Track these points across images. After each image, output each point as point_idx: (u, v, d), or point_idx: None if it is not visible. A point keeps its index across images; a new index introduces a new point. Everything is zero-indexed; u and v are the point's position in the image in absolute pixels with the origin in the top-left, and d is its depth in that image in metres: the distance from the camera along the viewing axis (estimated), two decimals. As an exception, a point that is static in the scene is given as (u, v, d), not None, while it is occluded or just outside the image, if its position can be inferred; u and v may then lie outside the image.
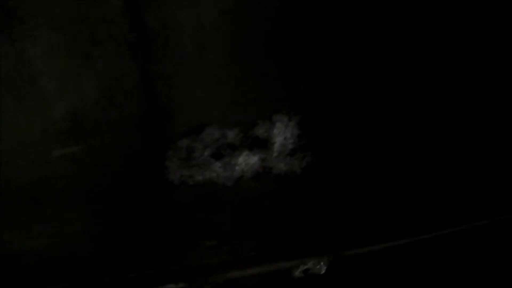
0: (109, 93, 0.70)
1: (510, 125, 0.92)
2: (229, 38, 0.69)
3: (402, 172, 0.88)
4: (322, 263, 0.87)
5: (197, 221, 0.82)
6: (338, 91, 0.79)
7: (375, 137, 0.83)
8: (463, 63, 0.80)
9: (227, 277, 0.86)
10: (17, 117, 0.70)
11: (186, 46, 0.69)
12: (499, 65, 0.82)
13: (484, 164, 0.94)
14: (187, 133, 0.75)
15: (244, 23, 0.69)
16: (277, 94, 0.76)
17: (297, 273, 0.89)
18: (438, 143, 0.88)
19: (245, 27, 0.69)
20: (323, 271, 0.88)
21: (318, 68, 0.76)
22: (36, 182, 0.74)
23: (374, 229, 0.91)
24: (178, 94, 0.72)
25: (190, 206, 0.80)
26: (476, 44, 0.79)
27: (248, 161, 0.78)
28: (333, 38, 0.74)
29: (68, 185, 0.75)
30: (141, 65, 0.69)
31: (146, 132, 0.73)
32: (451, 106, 0.85)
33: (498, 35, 0.79)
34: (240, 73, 0.73)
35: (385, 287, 0.97)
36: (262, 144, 0.79)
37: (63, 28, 0.65)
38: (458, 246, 0.98)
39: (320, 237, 0.90)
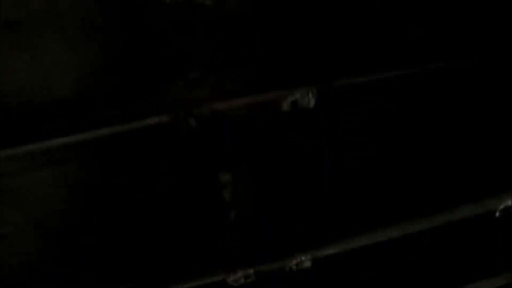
0: None
1: None
2: None
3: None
4: (310, 95, 0.85)
5: (177, 48, 0.78)
6: None
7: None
8: None
9: (212, 108, 0.84)
10: None
11: None
12: None
13: None
14: None
15: None
16: None
17: (285, 105, 0.86)
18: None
19: None
20: (312, 105, 0.86)
21: None
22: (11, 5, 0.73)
23: (363, 61, 0.89)
24: None
25: (169, 30, 0.75)
26: None
27: (226, -25, 0.74)
28: None
29: (45, 7, 0.73)
30: None
31: None
32: None
33: None
34: None
35: (373, 118, 0.96)
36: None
37: None
38: (446, 82, 0.97)
39: (308, 67, 0.87)
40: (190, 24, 0.77)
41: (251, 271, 1.13)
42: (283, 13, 0.80)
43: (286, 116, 0.91)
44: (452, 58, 0.95)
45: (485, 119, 1.10)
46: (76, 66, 0.80)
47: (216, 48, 0.81)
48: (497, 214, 1.32)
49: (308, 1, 0.80)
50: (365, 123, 0.99)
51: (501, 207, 1.29)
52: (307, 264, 1.16)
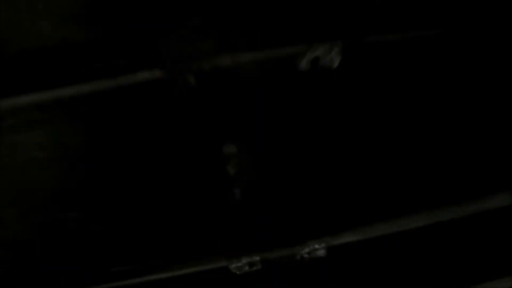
0: None
1: None
2: None
3: None
4: (334, 51, 0.72)
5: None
6: None
7: None
8: None
9: (215, 63, 0.72)
10: None
11: None
12: None
13: None
14: None
15: None
16: None
17: (304, 63, 0.75)
18: None
19: None
20: (336, 64, 0.74)
21: None
22: None
23: (400, 15, 0.76)
24: None
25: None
26: None
27: None
28: None
29: None
30: None
31: None
32: None
33: None
34: None
35: (407, 86, 0.87)
36: None
37: None
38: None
39: (334, 19, 0.75)
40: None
41: (257, 258, 1.05)
42: None
43: (303, 77, 0.80)
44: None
45: None
46: (54, 10, 0.71)
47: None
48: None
49: None
50: (396, 91, 0.88)
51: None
52: (321, 252, 1.06)
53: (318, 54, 0.78)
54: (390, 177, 1.06)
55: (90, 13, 0.70)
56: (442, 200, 1.14)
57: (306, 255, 1.09)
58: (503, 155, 1.11)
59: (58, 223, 0.96)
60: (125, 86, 0.73)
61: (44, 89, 0.73)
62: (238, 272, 1.07)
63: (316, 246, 1.08)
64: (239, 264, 1.05)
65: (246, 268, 1.07)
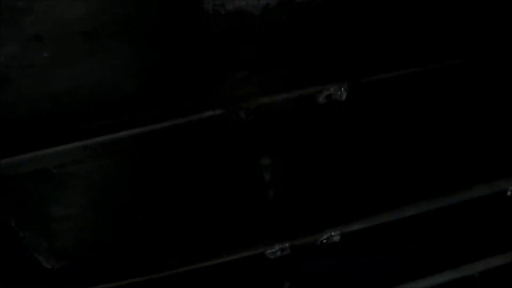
0: None
1: None
2: None
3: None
4: (343, 89, 0.97)
5: (229, 51, 0.90)
6: None
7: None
8: None
9: (258, 103, 0.96)
10: None
11: None
12: None
13: None
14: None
15: None
16: None
17: (321, 98, 0.98)
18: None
19: None
20: (344, 97, 0.99)
21: None
22: (87, 17, 0.83)
23: (388, 60, 1.00)
24: None
25: (223, 35, 0.87)
26: None
27: (273, -11, 0.85)
28: None
29: (114, 18, 0.83)
30: None
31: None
32: None
33: None
34: None
35: (397, 109, 1.09)
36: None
37: None
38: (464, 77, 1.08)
39: (340, 65, 0.98)
40: (241, 30, 0.88)
41: (286, 244, 1.26)
42: (318, 20, 0.91)
43: (321, 108, 1.02)
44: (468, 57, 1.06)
45: (495, 110, 1.21)
46: (141, 68, 0.91)
47: (261, 50, 0.92)
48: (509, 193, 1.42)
49: (339, 11, 0.92)
50: (389, 114, 1.10)
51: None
52: (336, 238, 1.29)
53: (331, 92, 1.00)
54: (389, 178, 1.26)
55: (169, 70, 0.92)
56: (430, 193, 1.34)
57: (324, 241, 1.31)
58: (479, 154, 1.30)
59: (133, 223, 1.17)
60: (194, 121, 0.96)
61: (133, 126, 0.96)
62: (271, 257, 1.29)
63: (332, 233, 1.29)
64: (273, 250, 1.28)
65: (278, 253, 1.29)
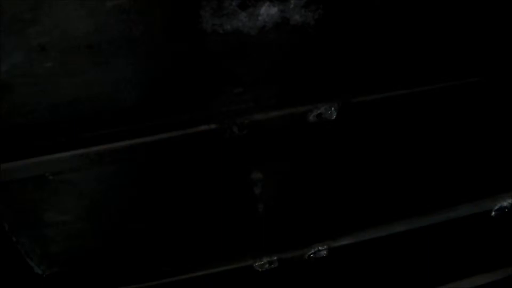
0: None
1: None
2: None
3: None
4: (333, 108, 1.01)
5: (226, 68, 0.93)
6: None
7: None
8: None
9: (252, 119, 1.00)
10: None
11: None
12: None
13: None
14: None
15: None
16: None
17: (311, 117, 1.02)
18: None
19: None
20: (334, 117, 1.02)
21: None
22: (92, 31, 0.86)
23: (377, 81, 1.04)
24: None
25: (220, 53, 0.91)
26: None
27: (269, 12, 0.87)
28: None
29: (118, 33, 0.86)
30: None
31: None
32: None
33: None
34: None
35: (384, 129, 1.13)
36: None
37: None
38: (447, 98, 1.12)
39: (331, 86, 1.02)
40: (237, 49, 0.92)
41: (274, 257, 1.29)
42: (311, 42, 0.96)
43: (312, 126, 1.06)
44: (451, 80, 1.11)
45: (481, 130, 1.25)
46: (141, 82, 0.94)
47: (257, 69, 0.96)
48: (493, 213, 1.46)
49: (331, 33, 0.96)
50: (377, 133, 1.14)
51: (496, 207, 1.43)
52: (324, 253, 1.31)
53: (321, 111, 1.04)
54: (376, 196, 1.29)
55: (167, 85, 0.95)
56: (419, 210, 1.38)
57: (312, 255, 1.33)
58: (465, 174, 1.35)
59: (125, 232, 1.18)
60: (190, 134, 1.00)
61: (134, 137, 0.99)
62: (260, 270, 1.31)
63: (320, 248, 1.32)
64: (261, 262, 1.30)
65: (266, 266, 1.31)
